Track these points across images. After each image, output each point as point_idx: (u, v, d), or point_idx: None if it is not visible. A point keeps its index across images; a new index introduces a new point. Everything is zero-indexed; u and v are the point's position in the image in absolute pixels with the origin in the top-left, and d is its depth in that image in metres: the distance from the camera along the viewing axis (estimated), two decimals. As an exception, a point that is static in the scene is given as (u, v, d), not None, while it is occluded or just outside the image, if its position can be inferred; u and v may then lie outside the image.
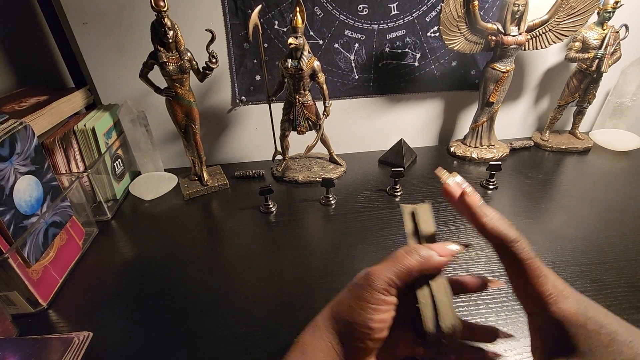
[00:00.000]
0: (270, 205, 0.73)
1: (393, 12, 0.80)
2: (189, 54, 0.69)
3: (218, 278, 0.58)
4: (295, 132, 0.80)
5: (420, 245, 0.30)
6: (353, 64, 0.85)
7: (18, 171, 0.52)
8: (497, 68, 0.80)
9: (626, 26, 0.80)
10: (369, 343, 0.29)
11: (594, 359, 0.25)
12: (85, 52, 0.78)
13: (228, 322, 0.50)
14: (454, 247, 0.31)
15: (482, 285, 0.34)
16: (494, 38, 0.77)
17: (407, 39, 0.84)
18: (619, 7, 0.76)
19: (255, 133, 0.92)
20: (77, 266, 0.62)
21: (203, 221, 0.74)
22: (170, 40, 0.66)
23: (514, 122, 1.00)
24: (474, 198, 0.30)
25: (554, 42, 0.79)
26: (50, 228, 0.56)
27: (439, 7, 0.75)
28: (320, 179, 0.73)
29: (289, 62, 0.71)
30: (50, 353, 0.45)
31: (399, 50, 0.85)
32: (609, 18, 0.78)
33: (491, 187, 0.77)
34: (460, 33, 0.77)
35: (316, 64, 0.72)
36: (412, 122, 0.96)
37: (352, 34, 0.81)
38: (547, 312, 0.27)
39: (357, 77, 0.87)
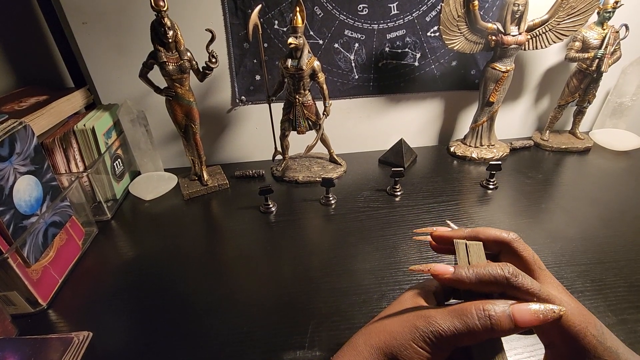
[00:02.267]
0: (270, 205, 0.73)
1: (393, 12, 0.80)
2: (188, 53, 0.69)
3: (218, 278, 0.58)
4: (295, 132, 0.80)
5: (500, 301, 0.25)
6: (353, 64, 0.85)
7: (18, 171, 0.52)
8: (497, 68, 0.80)
9: (626, 26, 0.80)
10: None
11: None
12: (85, 52, 0.78)
13: (228, 322, 0.50)
14: (539, 308, 0.24)
15: None
16: (494, 38, 0.77)
17: (407, 39, 0.84)
18: (619, 6, 0.76)
19: (255, 133, 0.92)
20: (77, 266, 0.62)
21: (203, 221, 0.74)
22: (170, 40, 0.66)
23: (514, 122, 1.00)
24: (441, 268, 0.28)
25: (554, 42, 0.79)
26: (49, 228, 0.56)
27: (439, 7, 0.75)
28: (320, 179, 0.73)
29: (289, 62, 0.71)
30: (50, 353, 0.45)
31: (399, 50, 0.85)
32: (609, 18, 0.78)
33: (491, 187, 0.77)
34: (460, 33, 0.77)
35: (316, 63, 0.72)
36: (412, 122, 0.96)
37: (352, 33, 0.81)
38: (570, 345, 0.26)
39: (357, 77, 0.87)
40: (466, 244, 0.30)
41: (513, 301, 0.25)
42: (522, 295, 0.25)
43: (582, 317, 0.26)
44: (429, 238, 0.33)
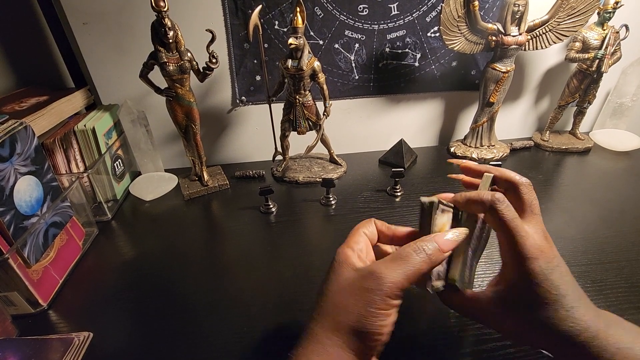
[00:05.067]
0: (271, 206, 0.73)
1: (393, 13, 0.80)
2: (189, 54, 0.69)
3: (218, 278, 0.58)
4: (296, 132, 0.80)
5: (426, 239, 0.30)
6: (353, 64, 0.85)
7: (18, 171, 0.52)
8: (498, 68, 0.80)
9: (626, 26, 0.80)
10: (379, 346, 0.27)
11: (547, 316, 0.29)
12: (85, 52, 0.78)
13: (228, 322, 0.50)
14: (451, 235, 0.31)
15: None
16: (494, 38, 0.77)
17: (408, 39, 0.84)
18: (619, 7, 0.76)
19: (255, 133, 0.92)
20: (77, 266, 0.62)
21: (203, 221, 0.74)
22: (171, 41, 0.66)
23: (514, 122, 1.00)
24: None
25: (554, 43, 0.79)
26: (50, 228, 0.56)
27: (439, 7, 0.75)
28: (321, 179, 0.73)
29: (289, 63, 0.71)
30: (51, 353, 0.45)
31: (399, 51, 0.85)
32: (609, 18, 0.78)
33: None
34: (461, 33, 0.77)
35: (316, 64, 0.72)
36: (412, 122, 0.96)
37: (352, 34, 0.81)
38: (517, 267, 0.30)
39: (357, 77, 0.87)
40: (484, 174, 0.38)
41: (435, 234, 0.31)
42: (497, 220, 0.31)
43: (539, 249, 0.30)
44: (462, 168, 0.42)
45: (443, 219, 0.35)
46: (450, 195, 0.37)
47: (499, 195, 0.31)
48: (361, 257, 0.33)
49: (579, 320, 0.28)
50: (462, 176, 0.41)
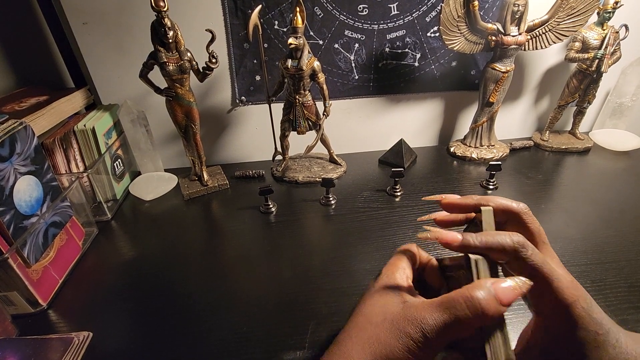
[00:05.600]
0: (270, 206, 0.73)
1: (393, 12, 0.80)
2: (189, 54, 0.69)
3: (218, 278, 0.58)
4: (295, 132, 0.80)
5: (480, 284, 0.24)
6: (353, 64, 0.85)
7: (18, 171, 0.52)
8: (497, 68, 0.80)
9: (626, 26, 0.80)
10: None
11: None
12: (85, 52, 0.78)
13: (228, 322, 0.50)
14: (511, 283, 0.24)
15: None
16: (494, 38, 0.77)
17: (407, 39, 0.84)
18: (619, 7, 0.76)
19: (255, 133, 0.92)
20: (77, 266, 0.62)
21: (203, 221, 0.74)
22: (170, 41, 0.66)
23: (514, 122, 1.00)
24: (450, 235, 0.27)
25: (554, 42, 0.79)
26: (50, 228, 0.56)
27: (439, 7, 0.75)
28: (320, 179, 0.73)
29: (289, 62, 0.71)
30: (50, 353, 0.45)
31: (399, 51, 0.85)
32: (609, 18, 0.78)
33: (491, 187, 0.77)
34: (460, 33, 0.77)
35: (316, 64, 0.72)
36: (412, 122, 0.96)
37: (352, 34, 0.81)
38: (559, 315, 0.27)
39: (357, 77, 0.87)
40: (481, 209, 0.30)
41: (492, 279, 0.24)
42: (524, 266, 0.26)
43: (574, 290, 0.27)
44: (433, 216, 0.35)
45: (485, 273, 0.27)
46: (451, 235, 0.28)
47: (519, 238, 0.26)
48: (408, 282, 0.31)
49: (627, 353, 0.26)
50: (435, 215, 0.36)
